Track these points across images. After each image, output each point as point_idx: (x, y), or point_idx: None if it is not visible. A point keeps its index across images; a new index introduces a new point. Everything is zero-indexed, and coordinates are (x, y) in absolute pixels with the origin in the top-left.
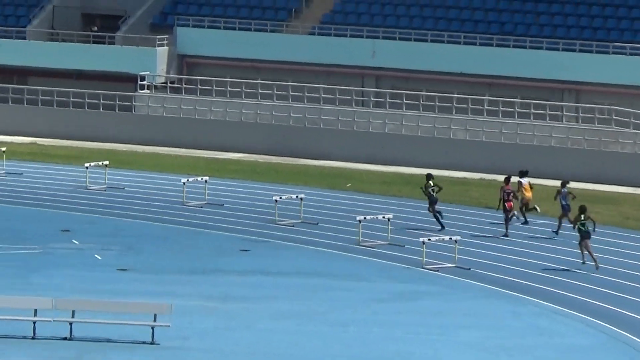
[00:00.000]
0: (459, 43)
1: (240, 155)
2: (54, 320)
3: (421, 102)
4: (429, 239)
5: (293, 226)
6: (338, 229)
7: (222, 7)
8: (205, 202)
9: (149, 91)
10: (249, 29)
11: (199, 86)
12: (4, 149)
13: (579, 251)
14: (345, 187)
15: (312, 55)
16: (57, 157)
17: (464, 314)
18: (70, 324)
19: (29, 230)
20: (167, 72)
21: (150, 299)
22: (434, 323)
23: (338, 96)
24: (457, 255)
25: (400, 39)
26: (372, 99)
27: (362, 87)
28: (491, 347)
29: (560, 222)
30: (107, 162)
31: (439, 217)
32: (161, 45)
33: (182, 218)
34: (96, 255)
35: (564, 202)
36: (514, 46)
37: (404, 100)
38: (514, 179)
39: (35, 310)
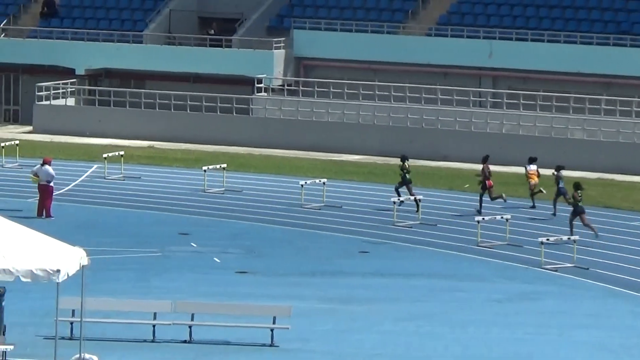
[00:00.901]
0: (575, 43)
1: (357, 157)
2: (173, 324)
3: (538, 102)
4: (547, 239)
5: (411, 227)
6: (457, 230)
7: (338, 9)
8: (323, 204)
9: (266, 94)
10: (366, 31)
11: (316, 88)
12: (122, 153)
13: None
14: (463, 187)
15: (428, 56)
16: (175, 161)
17: (584, 314)
18: (190, 327)
19: (148, 234)
20: (284, 75)
21: (270, 302)
22: (554, 323)
23: (455, 97)
24: (575, 255)
25: (516, 39)
26: (489, 99)
27: (479, 87)
28: (612, 346)
29: (555, 203)
30: (224, 165)
31: (414, 197)
32: (278, 48)
33: (301, 220)
34: (215, 258)
35: (560, 185)
36: (631, 45)
37: (521, 101)
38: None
39: (155, 314)
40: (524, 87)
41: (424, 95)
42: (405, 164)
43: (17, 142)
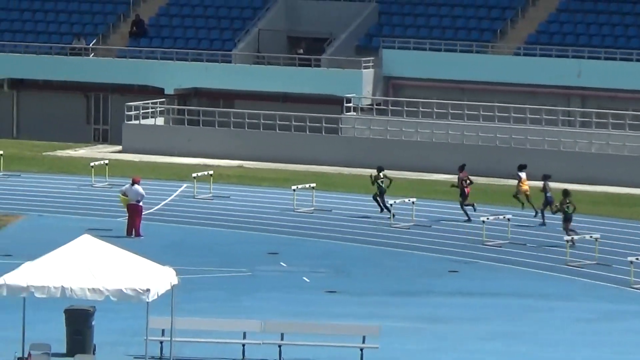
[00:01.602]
0: None
1: (446, 176)
2: (263, 343)
3: (627, 121)
4: (637, 258)
5: (501, 247)
6: (545, 249)
7: (427, 29)
8: (412, 223)
9: (354, 113)
10: (455, 50)
11: (405, 108)
12: (211, 172)
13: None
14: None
15: (517, 76)
16: (264, 180)
17: None
18: (279, 346)
19: (237, 253)
20: (373, 94)
21: (359, 321)
22: None
23: (544, 116)
24: None
25: (605, 58)
26: (578, 118)
27: (568, 107)
28: None
29: (543, 213)
30: (314, 185)
31: (385, 206)
32: (367, 67)
33: (390, 239)
34: (304, 278)
35: (548, 194)
36: None
37: (610, 120)
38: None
39: (245, 333)
40: (612, 106)
41: (512, 114)
42: (381, 174)
43: (106, 161)
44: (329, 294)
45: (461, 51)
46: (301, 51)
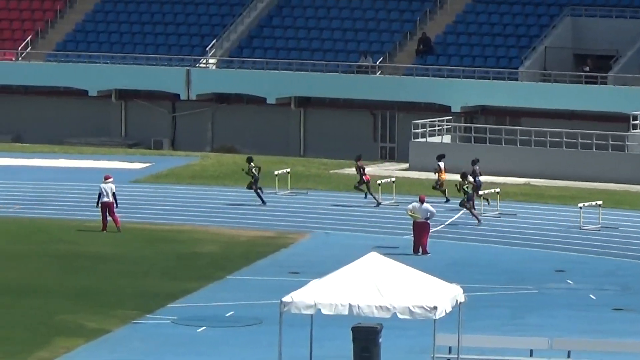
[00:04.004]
0: None
1: None
2: None
3: None
4: None
5: None
6: None
7: None
8: None
9: None
10: None
11: None
12: (497, 190)
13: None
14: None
15: None
16: (550, 197)
17: None
18: None
19: (523, 271)
20: None
21: None
22: None
23: None
24: None
25: None
26: None
27: None
28: None
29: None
30: (600, 202)
31: (260, 193)
32: None
33: None
34: (591, 295)
35: (477, 179)
36: None
37: None
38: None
39: (532, 351)
40: None
41: None
42: (252, 164)
43: (393, 179)
44: (615, 312)
45: None
46: (587, 68)
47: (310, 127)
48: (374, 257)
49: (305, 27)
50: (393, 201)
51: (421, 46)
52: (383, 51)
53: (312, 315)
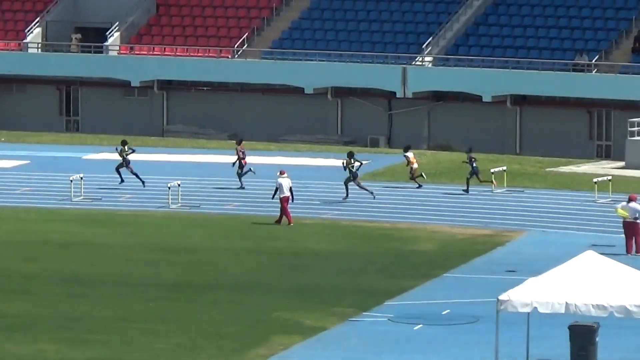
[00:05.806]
0: None
1: None
2: None
3: None
4: None
5: None
6: None
7: None
8: None
9: None
10: None
11: None
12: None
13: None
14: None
15: None
16: None
17: None
18: None
19: None
20: None
21: None
22: None
23: None
24: None
25: None
26: None
27: None
28: None
29: (468, 181)
30: None
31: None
32: None
33: None
34: None
35: (473, 165)
36: None
37: None
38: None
39: None
40: None
41: None
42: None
43: (609, 177)
44: None
45: None
46: None
47: (526, 125)
48: (590, 255)
49: (521, 25)
50: (609, 199)
51: (637, 44)
52: (599, 49)
53: (528, 313)
